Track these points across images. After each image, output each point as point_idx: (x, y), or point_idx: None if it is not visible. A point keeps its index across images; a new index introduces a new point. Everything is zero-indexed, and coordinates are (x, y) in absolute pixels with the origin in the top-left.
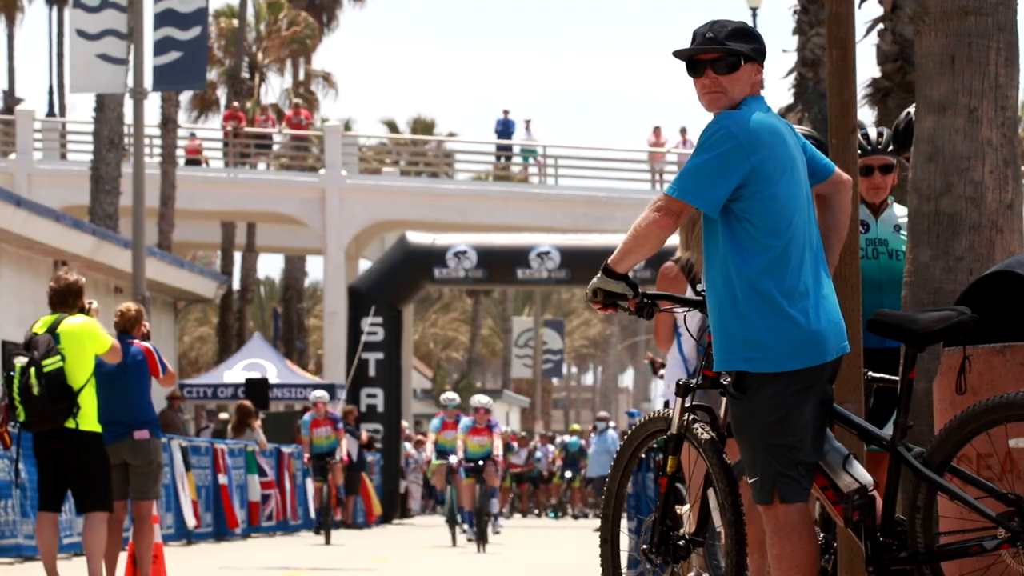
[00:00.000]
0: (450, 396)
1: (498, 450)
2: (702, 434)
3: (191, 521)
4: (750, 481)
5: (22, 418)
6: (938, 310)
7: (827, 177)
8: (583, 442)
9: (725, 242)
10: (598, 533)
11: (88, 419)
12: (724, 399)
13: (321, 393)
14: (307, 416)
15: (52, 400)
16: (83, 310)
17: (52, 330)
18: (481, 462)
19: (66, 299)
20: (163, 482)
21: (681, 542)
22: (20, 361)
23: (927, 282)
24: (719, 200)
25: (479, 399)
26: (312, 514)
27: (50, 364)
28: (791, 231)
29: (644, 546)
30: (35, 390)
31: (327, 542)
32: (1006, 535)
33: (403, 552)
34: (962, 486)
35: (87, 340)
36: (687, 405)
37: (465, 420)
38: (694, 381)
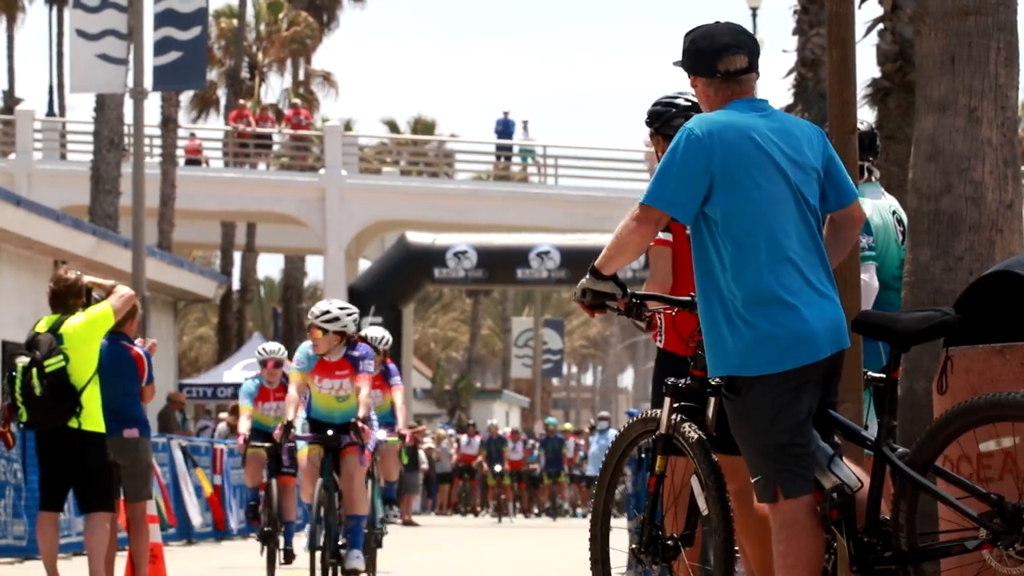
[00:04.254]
0: (271, 348)
1: (401, 413)
2: (690, 434)
3: (196, 520)
4: (752, 481)
5: (24, 418)
6: (922, 310)
7: (844, 206)
8: (580, 440)
9: (705, 250)
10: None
11: (91, 419)
12: (712, 399)
13: (274, 347)
14: (251, 382)
15: (54, 400)
16: (84, 306)
17: (54, 330)
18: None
19: (66, 300)
20: (165, 482)
21: (670, 542)
22: (22, 361)
23: (927, 282)
24: (689, 204)
25: (374, 332)
26: (237, 521)
27: (52, 364)
28: (769, 234)
29: (633, 546)
30: (37, 390)
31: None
32: (987, 535)
33: None
34: (946, 486)
35: (94, 331)
36: (675, 406)
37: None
38: (682, 382)
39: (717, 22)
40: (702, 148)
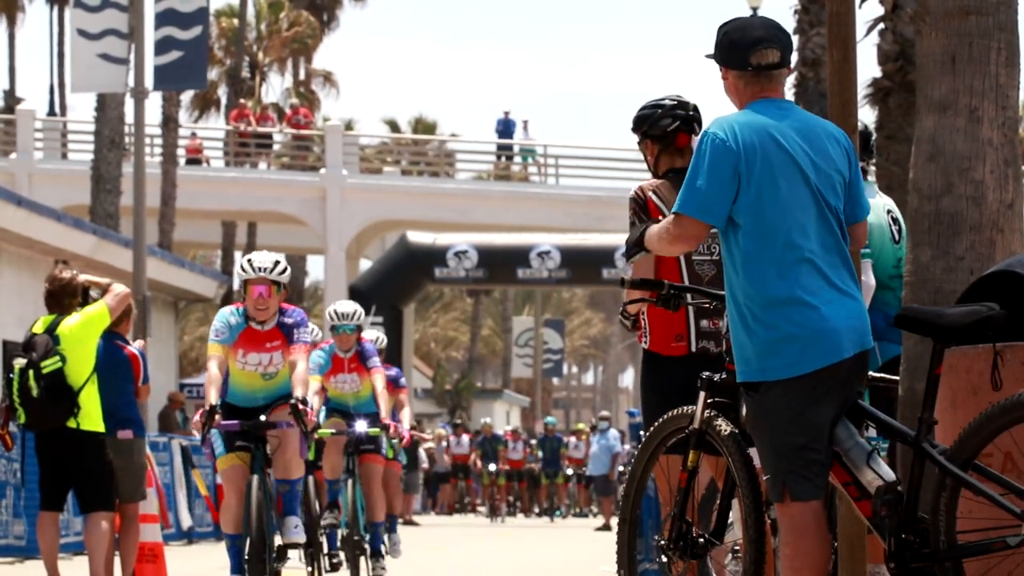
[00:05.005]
0: (345, 310)
1: (383, 400)
2: (723, 428)
3: (186, 521)
4: (765, 478)
5: (22, 420)
6: (965, 306)
7: (851, 223)
8: (571, 438)
9: (728, 252)
10: (597, 531)
11: (89, 419)
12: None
13: (349, 308)
14: (322, 352)
15: (52, 401)
16: (82, 305)
17: (51, 330)
18: (355, 427)
19: (61, 300)
20: (164, 482)
21: (700, 540)
22: (19, 363)
23: (927, 282)
24: (723, 209)
25: (344, 307)
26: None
27: (49, 365)
28: (787, 235)
29: (661, 542)
30: (34, 392)
31: None
32: None
33: None
34: (984, 483)
35: (90, 331)
36: (709, 401)
37: (315, 353)
38: (718, 376)
39: (752, 15)
40: (728, 150)
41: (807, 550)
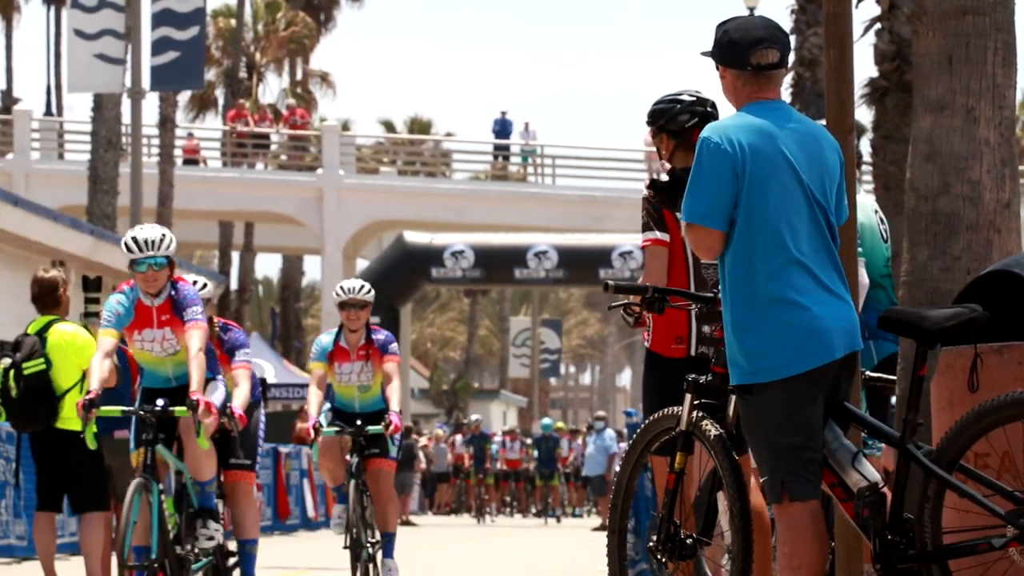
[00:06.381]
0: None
1: (194, 367)
2: (710, 430)
3: None
4: (761, 480)
5: (2, 419)
6: (948, 307)
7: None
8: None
9: (721, 253)
10: (595, 531)
11: (76, 420)
12: (732, 397)
13: (354, 283)
14: (326, 338)
15: (30, 402)
16: (86, 304)
17: (40, 333)
18: (360, 424)
19: (46, 300)
20: None
21: (688, 540)
22: (3, 363)
23: (924, 282)
24: (727, 212)
25: (138, 231)
26: (338, 528)
27: (31, 367)
28: (778, 236)
29: (650, 544)
30: (13, 392)
31: None
32: (1015, 533)
33: None
34: (970, 484)
35: (73, 353)
36: (696, 402)
37: (323, 339)
38: (704, 378)
39: (751, 15)
40: (723, 154)
41: (805, 550)
